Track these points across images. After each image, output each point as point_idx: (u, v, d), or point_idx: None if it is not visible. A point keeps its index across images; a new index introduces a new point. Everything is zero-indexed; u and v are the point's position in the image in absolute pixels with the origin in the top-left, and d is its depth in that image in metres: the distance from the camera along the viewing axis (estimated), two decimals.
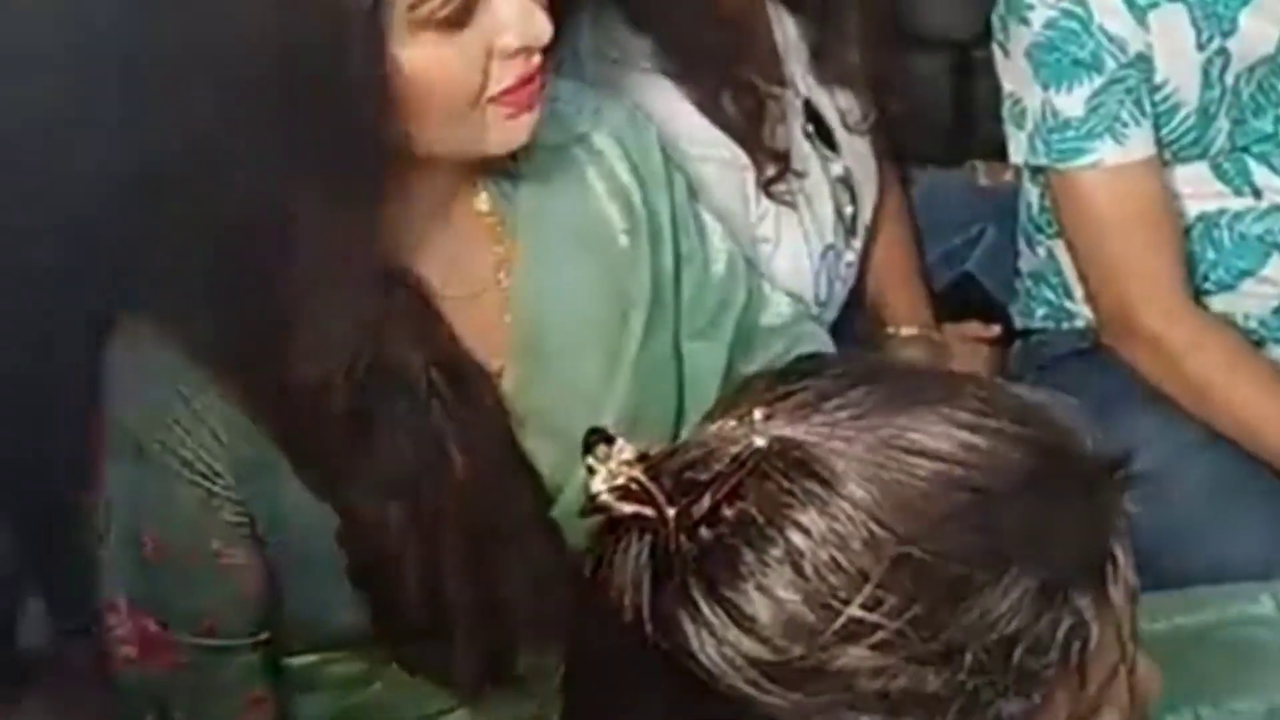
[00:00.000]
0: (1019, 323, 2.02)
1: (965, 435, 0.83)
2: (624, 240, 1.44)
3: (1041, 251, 1.94)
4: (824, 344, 1.62)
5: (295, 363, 1.25)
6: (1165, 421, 1.79)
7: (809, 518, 0.81)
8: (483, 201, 1.40)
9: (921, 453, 0.82)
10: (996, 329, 2.05)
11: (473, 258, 1.39)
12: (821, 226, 1.87)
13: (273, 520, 1.33)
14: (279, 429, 1.30)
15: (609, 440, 0.88)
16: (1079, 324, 1.93)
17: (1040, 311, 1.98)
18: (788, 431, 0.84)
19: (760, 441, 0.83)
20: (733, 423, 0.86)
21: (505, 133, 1.30)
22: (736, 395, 0.89)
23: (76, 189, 1.70)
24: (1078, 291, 1.91)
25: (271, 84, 1.21)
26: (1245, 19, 1.79)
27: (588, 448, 0.88)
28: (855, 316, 1.99)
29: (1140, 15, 1.76)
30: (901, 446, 0.82)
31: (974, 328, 2.06)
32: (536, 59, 1.29)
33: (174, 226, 1.26)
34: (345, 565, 1.33)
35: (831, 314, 1.89)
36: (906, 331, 2.01)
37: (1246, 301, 1.86)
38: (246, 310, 1.26)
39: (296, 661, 1.41)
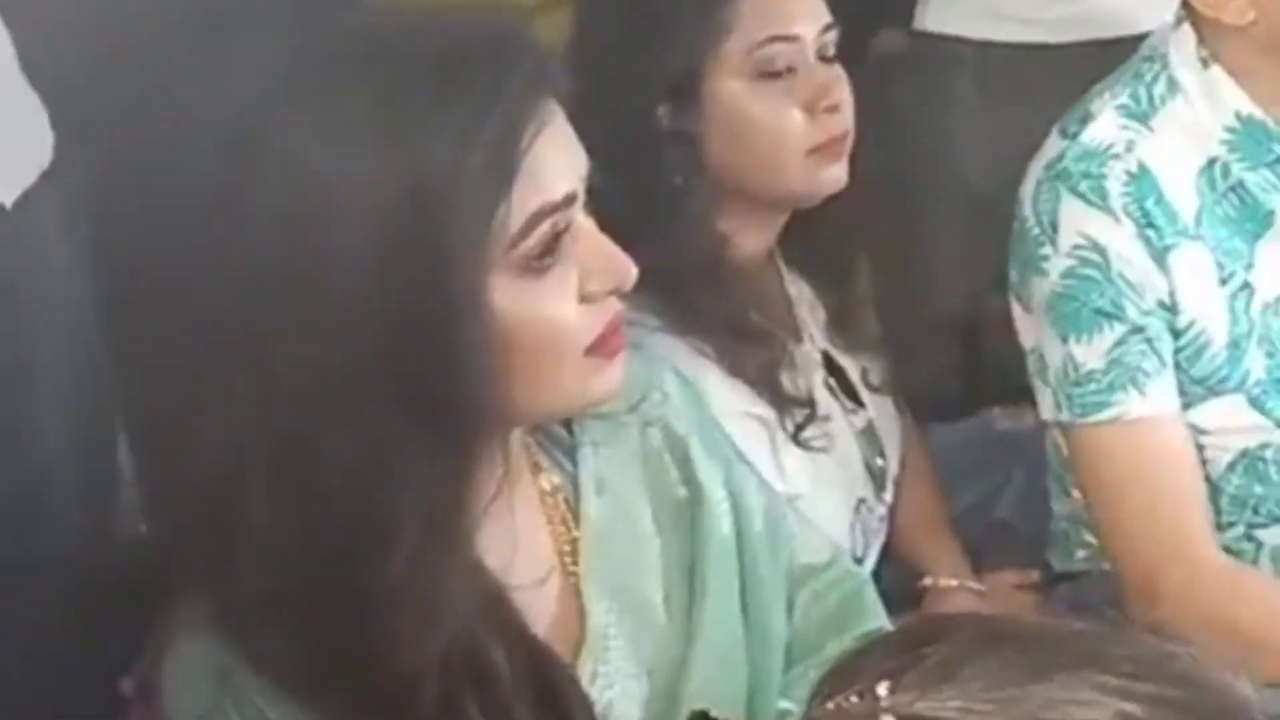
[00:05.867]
0: (1058, 566, 1.97)
1: (1119, 703, 0.76)
2: (689, 513, 1.39)
3: (1076, 493, 1.89)
4: (864, 580, 1.57)
5: (385, 659, 1.17)
6: None
7: None
8: (545, 479, 1.35)
9: None
10: (1035, 575, 1.99)
11: (536, 540, 1.33)
12: (852, 480, 1.85)
13: None
14: None
15: None
16: None
17: (1080, 554, 1.93)
18: (919, 707, 0.78)
19: None
20: (854, 698, 0.80)
21: (596, 385, 1.26)
22: (853, 664, 0.83)
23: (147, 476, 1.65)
24: None
25: (366, 350, 1.16)
26: (1262, 251, 1.78)
27: None
28: (885, 572, 1.94)
29: (1160, 258, 1.73)
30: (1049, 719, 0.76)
31: (1012, 576, 2.01)
32: (620, 306, 1.26)
33: (247, 523, 1.19)
34: None
35: (868, 568, 1.84)
36: (945, 582, 1.96)
37: None
38: (328, 603, 1.18)
39: None
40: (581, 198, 1.23)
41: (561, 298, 1.22)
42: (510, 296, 1.19)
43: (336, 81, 1.19)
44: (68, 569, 1.76)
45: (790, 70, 1.75)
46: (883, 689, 0.79)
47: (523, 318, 1.20)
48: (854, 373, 1.90)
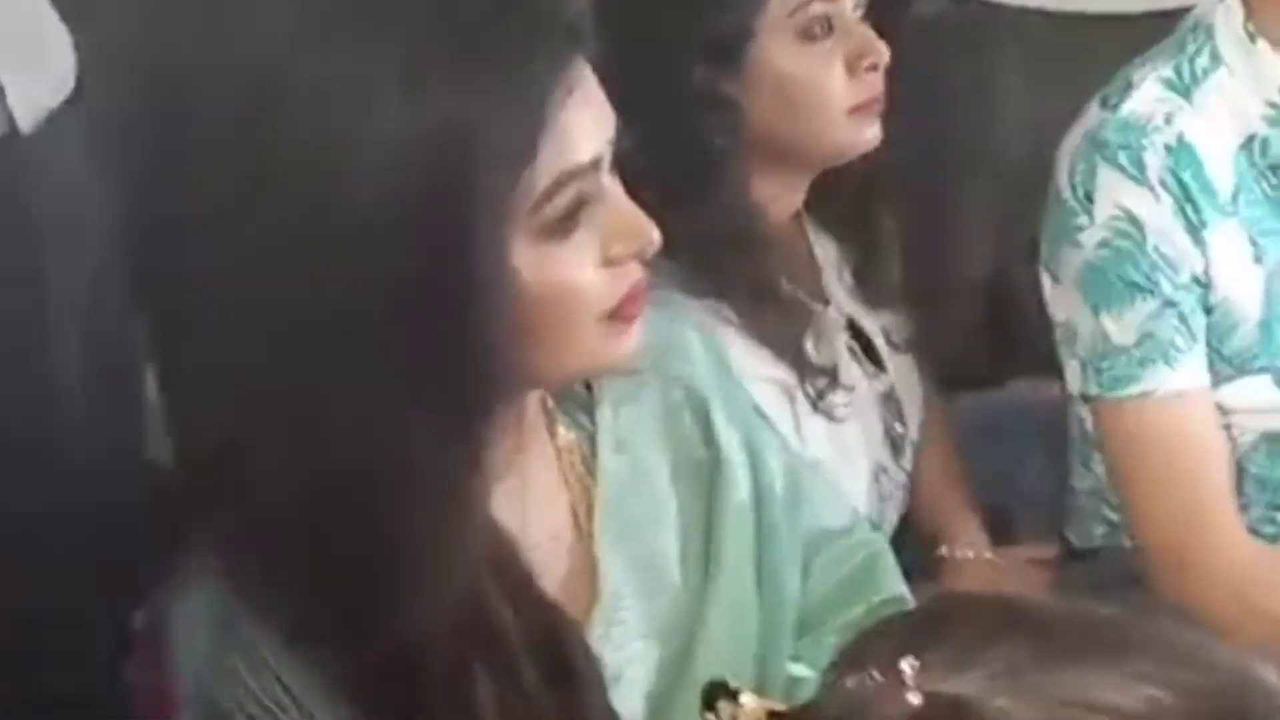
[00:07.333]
0: (1076, 542, 1.95)
1: (1148, 689, 0.75)
2: (707, 473, 1.37)
3: (1098, 468, 1.88)
4: (882, 546, 1.56)
5: (394, 616, 1.16)
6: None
7: None
8: (561, 437, 1.33)
9: (1101, 711, 0.75)
10: (1053, 550, 1.98)
11: (551, 498, 1.32)
12: (872, 446, 1.84)
13: None
14: (365, 697, 1.20)
15: (732, 694, 0.81)
16: None
17: (1099, 530, 1.91)
18: (944, 687, 0.77)
19: (914, 699, 0.76)
20: (877, 675, 0.79)
21: (614, 349, 1.23)
22: (874, 642, 0.82)
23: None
24: None
25: (384, 306, 1.13)
26: None
27: (708, 703, 0.81)
28: (905, 539, 1.93)
29: (1196, 234, 1.72)
30: (1078, 703, 0.75)
31: (1028, 551, 1.99)
32: (641, 272, 1.23)
33: (261, 477, 1.17)
34: None
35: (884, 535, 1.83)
36: (962, 553, 1.95)
37: None
38: (339, 561, 1.17)
39: None
40: (608, 160, 1.20)
41: (583, 262, 1.19)
42: (531, 259, 1.16)
43: (365, 29, 1.16)
44: (91, 496, 1.76)
45: (831, 30, 1.74)
46: (906, 666, 0.78)
47: (542, 281, 1.17)
48: (877, 334, 1.89)
